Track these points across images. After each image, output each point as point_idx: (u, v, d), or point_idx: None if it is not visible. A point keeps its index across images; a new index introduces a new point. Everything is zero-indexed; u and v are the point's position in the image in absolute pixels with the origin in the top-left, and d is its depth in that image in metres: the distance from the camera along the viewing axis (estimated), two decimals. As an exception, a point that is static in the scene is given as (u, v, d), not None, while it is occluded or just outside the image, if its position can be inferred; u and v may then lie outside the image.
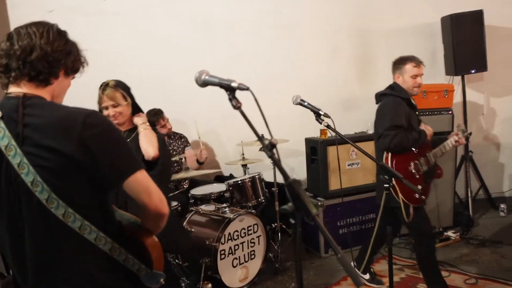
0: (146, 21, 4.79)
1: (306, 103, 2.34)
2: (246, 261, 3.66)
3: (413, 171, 3.13)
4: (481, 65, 4.92)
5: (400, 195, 2.99)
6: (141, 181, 1.42)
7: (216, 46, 4.92)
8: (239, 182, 3.92)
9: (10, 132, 1.35)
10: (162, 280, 1.50)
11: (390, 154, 3.10)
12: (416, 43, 5.42)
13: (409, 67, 3.23)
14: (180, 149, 4.56)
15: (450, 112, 4.69)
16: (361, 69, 5.45)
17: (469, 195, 4.94)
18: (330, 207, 4.23)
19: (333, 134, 4.43)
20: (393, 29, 5.38)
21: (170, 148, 4.47)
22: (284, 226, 4.35)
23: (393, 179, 2.71)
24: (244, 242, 3.65)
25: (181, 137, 4.67)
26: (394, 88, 3.28)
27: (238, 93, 1.38)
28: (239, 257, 3.61)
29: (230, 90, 1.37)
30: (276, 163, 1.24)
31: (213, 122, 4.99)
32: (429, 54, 5.44)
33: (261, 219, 3.77)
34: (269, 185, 4.15)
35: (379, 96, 3.36)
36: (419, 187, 3.11)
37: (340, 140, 4.22)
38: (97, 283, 1.45)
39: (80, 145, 1.32)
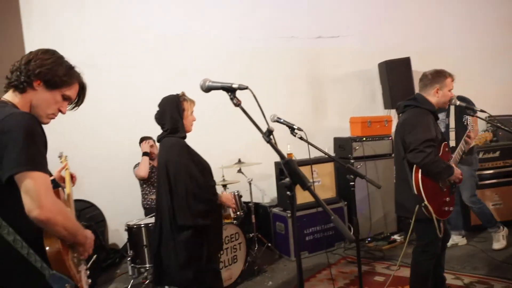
0: (137, 73, 4.92)
1: (282, 120, 2.45)
2: (230, 264, 3.70)
3: (440, 185, 2.69)
4: (411, 101, 5.30)
5: (433, 212, 2.58)
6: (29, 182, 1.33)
7: (193, 91, 5.02)
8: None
9: None
10: (67, 286, 1.36)
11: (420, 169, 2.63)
12: (358, 85, 5.83)
13: (449, 81, 2.77)
14: None
15: (390, 137, 5.00)
16: (315, 107, 5.74)
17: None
18: (297, 218, 4.30)
19: (297, 157, 4.65)
20: (339, 75, 5.75)
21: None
22: (260, 236, 4.43)
23: (425, 199, 2.56)
24: (228, 248, 3.70)
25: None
26: (418, 99, 2.79)
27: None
28: (224, 261, 3.65)
29: (231, 90, 1.47)
30: (273, 146, 1.38)
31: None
32: (370, 93, 5.85)
33: (241, 228, 3.85)
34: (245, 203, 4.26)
35: (404, 107, 2.85)
36: (447, 199, 2.70)
37: (307, 161, 4.48)
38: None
39: None
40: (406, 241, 2.89)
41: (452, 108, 4.06)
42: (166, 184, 2.43)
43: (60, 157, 1.98)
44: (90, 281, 1.64)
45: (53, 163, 2.11)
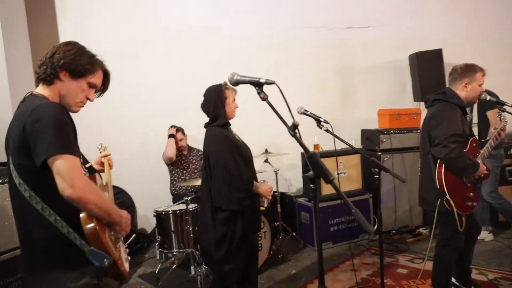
0: (164, 64, 5.05)
1: (308, 112, 2.49)
2: (254, 252, 3.81)
3: (464, 180, 2.68)
4: (442, 93, 5.21)
5: (454, 206, 2.58)
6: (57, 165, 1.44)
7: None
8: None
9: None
10: (106, 261, 1.47)
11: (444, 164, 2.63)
12: (387, 77, 5.75)
13: (479, 76, 2.73)
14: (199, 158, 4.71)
15: (418, 131, 4.93)
16: (343, 98, 5.73)
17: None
18: (322, 208, 4.41)
19: (324, 148, 4.68)
20: (368, 66, 5.71)
21: (188, 159, 4.64)
22: (284, 225, 4.52)
23: (447, 194, 2.57)
24: (253, 236, 3.79)
25: (199, 151, 4.78)
26: (447, 93, 2.76)
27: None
28: (249, 248, 3.76)
29: (259, 85, 1.53)
30: (298, 140, 1.44)
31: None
32: (399, 85, 5.78)
33: (267, 217, 3.94)
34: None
35: (432, 101, 2.81)
36: (471, 194, 2.68)
37: (332, 152, 4.51)
38: (49, 250, 1.52)
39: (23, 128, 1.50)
40: (432, 234, 2.91)
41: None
42: (207, 171, 2.66)
43: (99, 148, 2.12)
44: (129, 258, 1.76)
45: (89, 153, 2.25)
